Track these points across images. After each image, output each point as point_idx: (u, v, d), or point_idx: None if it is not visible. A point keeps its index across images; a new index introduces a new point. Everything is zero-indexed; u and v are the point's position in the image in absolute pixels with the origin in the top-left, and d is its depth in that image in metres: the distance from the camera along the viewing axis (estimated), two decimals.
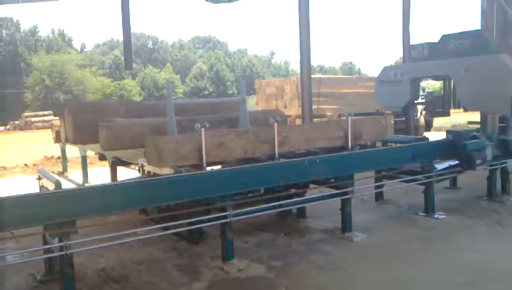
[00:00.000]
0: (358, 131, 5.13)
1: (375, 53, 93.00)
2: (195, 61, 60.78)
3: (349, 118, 5.00)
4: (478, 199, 5.96)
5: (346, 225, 4.76)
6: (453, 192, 6.48)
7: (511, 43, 7.07)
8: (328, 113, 11.76)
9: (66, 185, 6.97)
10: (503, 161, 6.01)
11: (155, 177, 3.88)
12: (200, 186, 3.78)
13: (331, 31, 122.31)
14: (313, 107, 11.12)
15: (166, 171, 3.99)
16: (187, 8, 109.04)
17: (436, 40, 7.21)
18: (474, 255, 4.11)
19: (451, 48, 6.72)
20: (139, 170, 5.03)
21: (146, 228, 3.89)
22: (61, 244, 3.11)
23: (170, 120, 5.32)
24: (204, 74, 57.07)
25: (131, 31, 9.04)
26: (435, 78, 8.31)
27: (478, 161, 5.37)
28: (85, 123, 6.30)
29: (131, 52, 8.64)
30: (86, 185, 6.94)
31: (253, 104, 16.85)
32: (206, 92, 53.53)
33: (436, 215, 5.28)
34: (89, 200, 3.30)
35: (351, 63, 77.18)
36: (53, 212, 3.13)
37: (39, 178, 3.96)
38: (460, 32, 6.78)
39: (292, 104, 12.31)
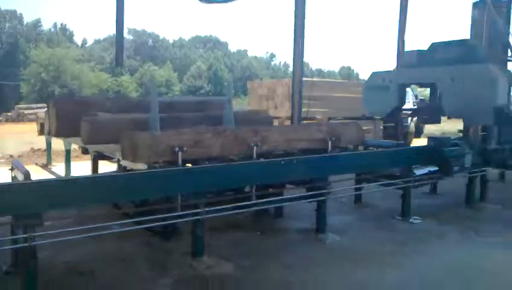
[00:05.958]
0: (337, 134, 5.16)
1: (374, 59, 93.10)
2: (195, 61, 60.76)
3: (329, 121, 5.04)
4: (456, 205, 6.01)
5: (320, 226, 4.79)
6: (432, 198, 6.53)
7: (499, 53, 7.09)
8: (318, 117, 11.78)
9: (48, 177, 7.00)
10: (483, 169, 6.06)
11: (127, 172, 3.89)
12: (173, 182, 3.79)
13: (332, 35, 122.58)
14: (303, 109, 11.18)
15: (141, 166, 4.00)
16: (189, 6, 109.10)
17: (426, 48, 7.22)
18: (444, 260, 4.13)
19: (440, 56, 6.72)
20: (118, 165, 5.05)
21: (118, 222, 3.89)
22: (26, 235, 3.11)
23: (153, 116, 5.34)
24: (203, 73, 57.05)
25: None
26: (422, 85, 8.34)
27: (456, 168, 5.41)
28: (68, 116, 6.33)
29: (123, 48, 8.67)
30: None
31: (245, 104, 16.88)
32: (202, 91, 53.50)
33: (411, 220, 5.32)
34: (57, 192, 3.31)
35: (349, 68, 77.35)
36: (20, 203, 3.13)
37: (12, 169, 3.97)
38: (449, 41, 6.78)
39: (283, 106, 12.31)
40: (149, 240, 4.50)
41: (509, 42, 6.57)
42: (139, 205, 4.03)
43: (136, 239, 4.49)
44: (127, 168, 4.37)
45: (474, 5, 6.76)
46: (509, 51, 6.66)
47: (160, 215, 3.87)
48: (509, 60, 6.72)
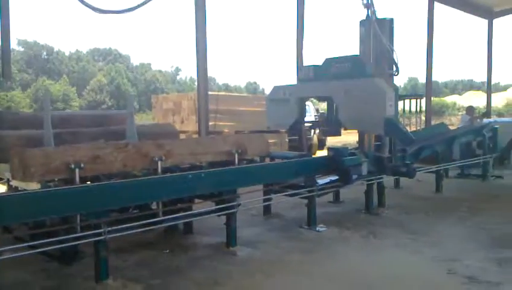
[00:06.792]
0: (243, 146, 5.20)
1: (278, 74, 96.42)
2: (95, 74, 58.02)
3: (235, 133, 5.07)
4: (357, 212, 6.36)
5: (231, 239, 4.77)
6: (335, 206, 6.85)
7: (384, 67, 7.60)
8: (226, 130, 11.86)
9: None
10: (379, 177, 6.50)
11: (17, 192, 3.54)
12: (69, 202, 3.53)
13: (238, 51, 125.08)
14: (210, 123, 11.18)
15: (33, 186, 3.67)
16: (85, 17, 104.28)
17: (321, 63, 7.54)
18: (348, 264, 4.34)
19: (334, 70, 7.05)
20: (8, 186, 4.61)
21: (10, 247, 3.51)
22: None
23: (47, 132, 4.96)
24: (104, 87, 54.63)
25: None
26: (320, 98, 8.70)
27: (354, 176, 5.74)
28: None
29: (10, 61, 7.96)
30: None
31: (151, 119, 16.47)
32: (104, 106, 51.13)
33: (317, 228, 5.51)
34: None
35: (255, 83, 79.25)
36: None
37: None
38: (341, 57, 7.14)
39: (189, 120, 12.23)
40: (46, 265, 4.14)
41: (393, 58, 7.05)
42: (33, 228, 3.70)
43: (32, 265, 4.11)
44: (19, 189, 4.01)
45: (361, 23, 7.11)
46: (393, 66, 7.13)
47: (58, 238, 3.58)
48: (395, 75, 7.20)
